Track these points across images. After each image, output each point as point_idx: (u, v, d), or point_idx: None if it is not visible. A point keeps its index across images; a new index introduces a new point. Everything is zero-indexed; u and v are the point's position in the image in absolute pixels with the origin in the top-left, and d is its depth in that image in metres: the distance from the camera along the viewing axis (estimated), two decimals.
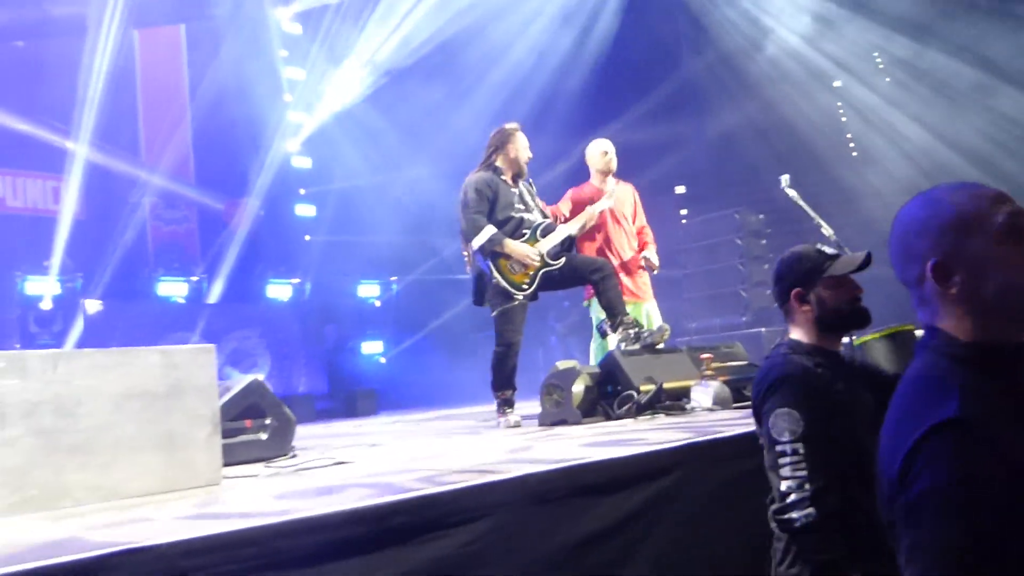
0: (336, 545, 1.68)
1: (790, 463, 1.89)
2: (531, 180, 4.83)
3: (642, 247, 5.36)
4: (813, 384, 1.99)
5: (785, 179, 4.81)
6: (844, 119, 10.98)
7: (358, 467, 2.78)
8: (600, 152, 5.27)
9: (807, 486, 1.86)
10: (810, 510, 1.84)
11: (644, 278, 5.32)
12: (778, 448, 1.92)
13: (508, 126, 4.68)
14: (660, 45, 11.45)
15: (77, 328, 7.84)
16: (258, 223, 10.34)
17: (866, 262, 2.10)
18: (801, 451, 1.89)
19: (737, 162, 10.90)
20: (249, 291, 9.78)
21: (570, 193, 5.20)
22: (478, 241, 4.37)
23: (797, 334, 2.17)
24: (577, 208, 5.08)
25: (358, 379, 10.04)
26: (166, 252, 9.39)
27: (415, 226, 11.07)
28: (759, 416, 2.03)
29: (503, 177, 4.57)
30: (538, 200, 4.78)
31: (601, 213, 5.03)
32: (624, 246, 5.27)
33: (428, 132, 10.81)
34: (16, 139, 8.53)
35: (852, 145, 10.85)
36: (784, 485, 1.89)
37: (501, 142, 4.61)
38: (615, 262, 5.06)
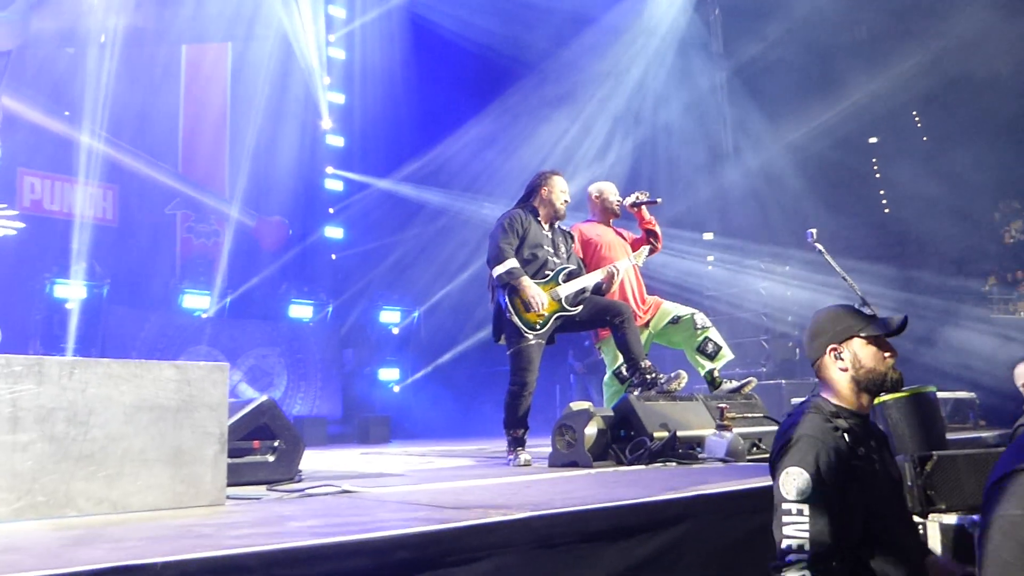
0: None
1: (793, 523, 1.88)
2: (571, 233, 4.85)
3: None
4: (831, 446, 1.96)
5: (813, 233, 4.78)
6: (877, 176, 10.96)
7: (363, 497, 2.76)
8: (609, 194, 5.22)
9: (806, 548, 1.85)
10: (804, 572, 1.83)
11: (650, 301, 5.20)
12: (783, 506, 1.91)
13: (547, 170, 4.74)
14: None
15: (98, 334, 7.93)
16: (287, 242, 10.49)
17: (903, 325, 2.09)
18: (805, 512, 1.88)
19: (769, 212, 10.88)
20: (272, 309, 9.89)
21: (578, 232, 5.10)
22: (498, 271, 4.37)
23: (827, 393, 2.16)
24: (585, 248, 5.03)
25: (373, 405, 10.06)
26: (194, 265, 9.52)
27: (445, 255, 11.18)
28: (774, 470, 2.02)
29: (538, 218, 4.61)
30: (573, 249, 4.77)
31: (605, 245, 5.01)
32: (634, 278, 5.16)
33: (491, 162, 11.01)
34: (57, 143, 8.73)
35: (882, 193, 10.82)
36: (784, 544, 1.88)
37: (538, 184, 4.66)
38: (630, 297, 4.99)
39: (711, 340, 4.84)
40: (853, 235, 10.14)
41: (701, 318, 4.90)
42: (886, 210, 10.87)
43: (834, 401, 2.12)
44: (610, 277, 4.63)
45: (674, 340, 5.01)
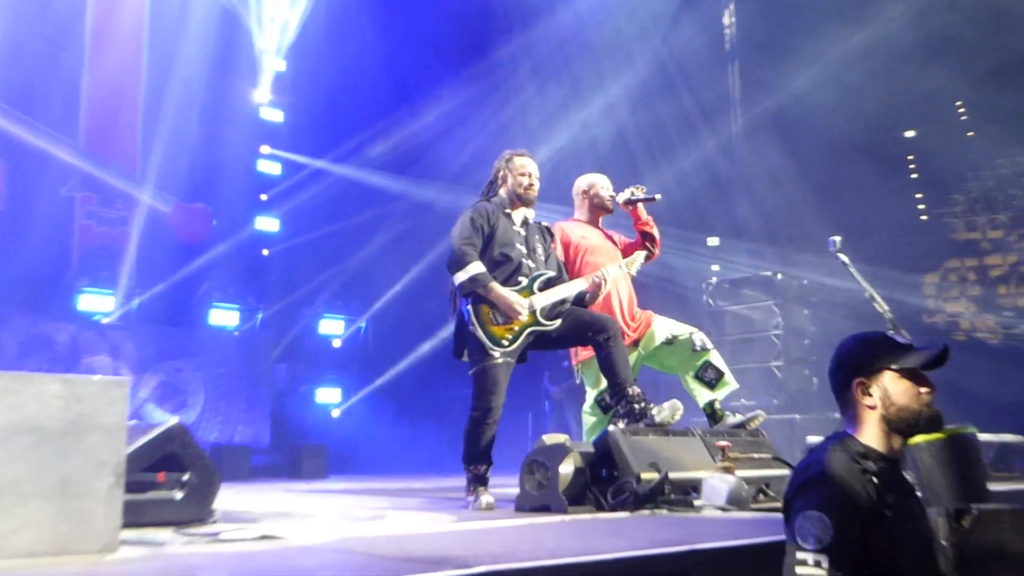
0: None
1: (809, 574, 1.91)
2: (550, 230, 4.85)
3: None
4: (857, 490, 1.99)
5: (836, 241, 4.82)
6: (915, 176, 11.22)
7: (288, 545, 2.72)
8: (601, 187, 5.24)
9: None
10: None
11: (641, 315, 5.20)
12: (798, 555, 1.94)
13: (509, 151, 4.74)
14: None
15: None
16: (210, 234, 10.39)
17: (943, 356, 2.12)
18: (824, 564, 1.90)
19: (781, 215, 11.05)
20: (189, 314, 9.81)
21: (559, 232, 5.11)
22: (459, 277, 4.34)
23: (854, 430, 2.19)
24: (567, 251, 5.04)
25: (307, 432, 10.02)
26: (94, 258, 9.38)
27: (401, 254, 11.17)
28: (788, 510, 2.05)
29: (507, 211, 4.60)
30: (552, 250, 4.77)
31: (592, 249, 5.03)
32: (623, 288, 5.15)
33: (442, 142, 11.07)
34: None
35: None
36: None
37: (497, 168, 4.68)
38: (617, 311, 4.98)
39: (712, 365, 4.86)
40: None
41: (700, 338, 4.92)
42: (923, 216, 11.14)
43: (862, 441, 2.14)
44: (596, 286, 4.61)
45: (668, 363, 5.02)
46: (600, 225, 5.27)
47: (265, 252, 10.95)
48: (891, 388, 2.14)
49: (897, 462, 2.18)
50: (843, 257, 4.83)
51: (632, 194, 5.10)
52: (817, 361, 10.16)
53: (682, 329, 4.98)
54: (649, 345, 4.98)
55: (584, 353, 4.94)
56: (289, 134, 11.23)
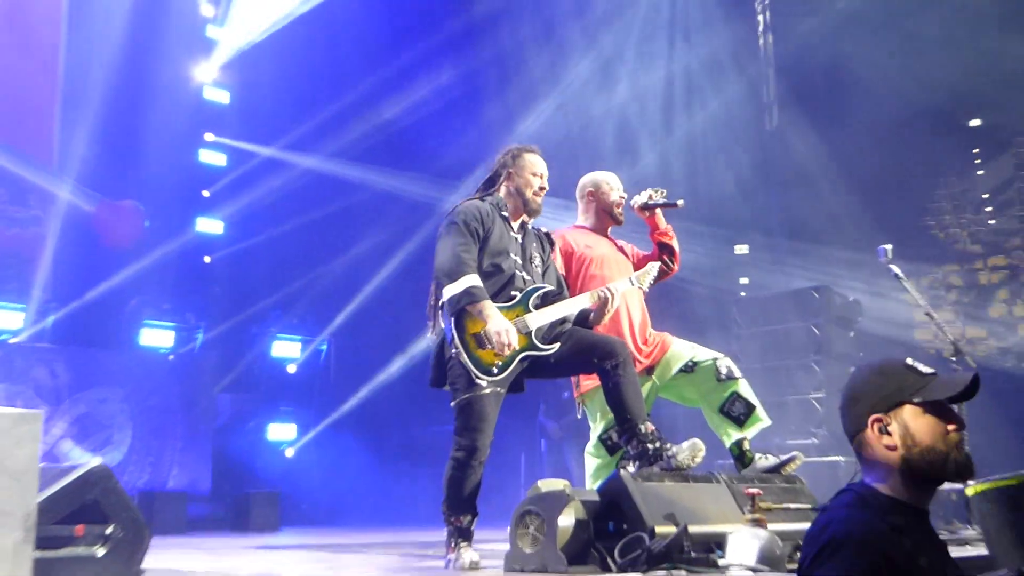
0: None
1: None
2: (549, 237, 4.87)
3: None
4: (885, 553, 1.97)
5: (887, 250, 4.86)
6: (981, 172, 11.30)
7: None
8: (610, 189, 5.25)
9: None
10: None
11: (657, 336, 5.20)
12: None
13: (516, 145, 4.75)
14: None
15: None
16: (141, 237, 10.37)
17: (973, 387, 2.11)
18: None
19: (822, 216, 11.11)
20: (116, 334, 9.80)
21: (561, 241, 5.12)
22: (452, 290, 4.31)
23: (873, 478, 2.17)
24: (569, 263, 5.06)
25: (256, 477, 10.01)
26: (1, 266, 9.35)
27: (371, 260, 11.19)
28: None
29: (504, 214, 4.62)
30: (552, 261, 4.79)
31: (597, 261, 5.03)
32: (635, 306, 5.16)
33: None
34: None
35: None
36: None
37: (502, 164, 4.69)
38: (627, 332, 4.98)
39: (740, 397, 4.85)
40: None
41: (727, 364, 4.91)
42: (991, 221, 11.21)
43: (884, 491, 2.13)
44: (602, 303, 4.61)
45: (688, 395, 5.02)
46: (609, 234, 5.29)
47: (207, 259, 10.96)
48: (912, 425, 2.12)
49: (926, 515, 2.17)
50: (895, 269, 4.87)
51: (650, 198, 5.10)
52: None
53: (705, 354, 4.97)
54: (665, 373, 4.97)
55: (588, 383, 4.93)
56: (237, 118, 11.28)
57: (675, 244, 5.19)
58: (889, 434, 2.13)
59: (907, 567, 1.97)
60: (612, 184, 5.26)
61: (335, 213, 11.56)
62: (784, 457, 4.73)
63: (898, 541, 2.00)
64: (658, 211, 5.13)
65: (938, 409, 2.13)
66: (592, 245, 5.13)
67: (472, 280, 4.29)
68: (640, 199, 5.13)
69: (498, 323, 4.26)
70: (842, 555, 1.96)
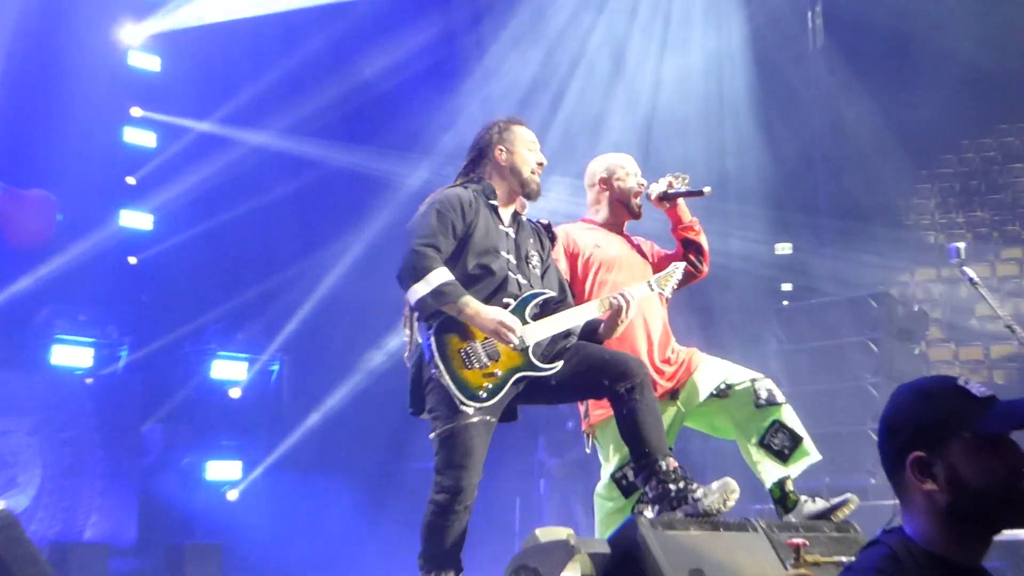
0: None
1: None
2: (550, 230, 4.89)
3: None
4: None
5: (960, 248, 4.80)
6: None
7: None
8: (626, 174, 5.26)
9: None
10: None
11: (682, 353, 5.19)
12: None
13: (504, 117, 4.77)
14: None
15: None
16: (53, 234, 10.41)
17: None
18: None
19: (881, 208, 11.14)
20: (22, 352, 9.83)
21: (563, 237, 5.12)
22: (418, 291, 4.29)
23: (912, 528, 2.16)
24: (573, 265, 5.07)
25: (193, 525, 10.02)
26: None
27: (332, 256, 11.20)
28: None
29: (493, 202, 4.62)
30: (553, 261, 4.82)
31: (608, 263, 5.05)
32: (654, 316, 5.16)
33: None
34: None
35: None
36: None
37: (488, 141, 4.69)
38: (643, 348, 4.97)
39: (784, 426, 4.84)
40: None
41: (767, 387, 4.90)
42: None
43: (923, 542, 2.13)
44: (614, 313, 4.60)
45: (720, 424, 5.03)
46: (624, 231, 5.30)
47: (132, 260, 10.95)
48: (962, 466, 2.09)
49: (977, 572, 2.15)
50: (970, 272, 4.81)
51: (670, 186, 5.10)
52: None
53: (740, 375, 4.96)
54: (693, 399, 4.96)
55: (598, 411, 4.93)
56: (168, 89, 11.26)
57: (703, 240, 5.22)
58: (933, 476, 2.11)
59: None
60: (629, 169, 5.29)
61: (289, 200, 11.63)
62: (835, 501, 4.71)
63: None
64: (680, 201, 5.13)
65: (997, 444, 2.11)
66: (602, 244, 5.16)
67: (441, 276, 4.30)
68: (658, 188, 5.13)
69: (490, 313, 4.29)
70: None
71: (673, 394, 4.97)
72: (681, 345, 5.16)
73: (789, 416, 4.86)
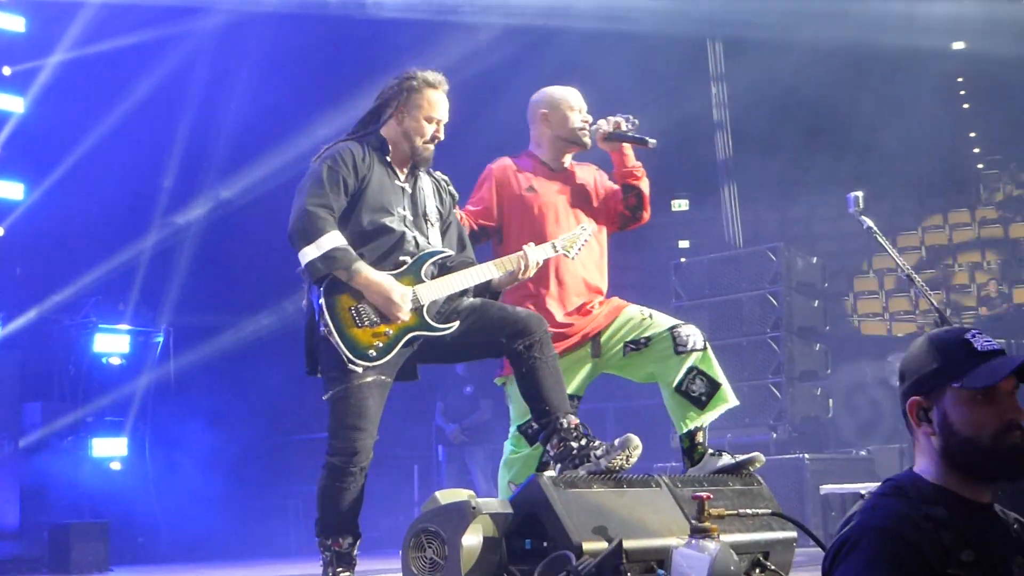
0: None
1: None
2: (448, 187, 4.82)
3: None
4: (914, 545, 2.04)
5: (857, 198, 4.91)
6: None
7: None
8: (571, 109, 5.16)
9: None
10: None
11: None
12: None
13: (415, 71, 4.64)
14: None
15: None
16: None
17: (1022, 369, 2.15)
18: None
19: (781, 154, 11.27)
20: None
21: (491, 177, 5.07)
22: (309, 254, 4.30)
23: (920, 466, 2.25)
24: (503, 207, 5.04)
25: (78, 505, 9.87)
26: None
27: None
28: None
29: (387, 157, 4.58)
30: (456, 217, 4.78)
31: (540, 209, 5.00)
32: (590, 267, 5.16)
33: None
34: None
35: None
36: None
37: (391, 96, 4.61)
38: (551, 302, 4.97)
39: (702, 373, 4.82)
40: None
41: (687, 333, 4.87)
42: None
43: (930, 478, 2.22)
44: (511, 276, 4.62)
45: (640, 372, 5.03)
46: (570, 164, 5.22)
47: (0, 230, 10.63)
48: (952, 413, 2.19)
49: (984, 507, 2.22)
50: (868, 221, 4.92)
51: (618, 126, 5.07)
52: (835, 376, 10.30)
53: (663, 322, 4.94)
54: (611, 349, 4.98)
55: (507, 369, 4.88)
56: (32, 46, 10.94)
57: (644, 186, 5.18)
58: (929, 421, 2.21)
59: (942, 561, 2.03)
60: (573, 103, 5.18)
61: (174, 157, 11.34)
62: (742, 457, 4.75)
63: (932, 532, 2.06)
64: (625, 145, 5.10)
65: (986, 396, 2.17)
66: (538, 188, 5.08)
67: (333, 240, 4.31)
68: (606, 126, 5.08)
69: (381, 286, 4.29)
70: (862, 548, 2.04)
71: (593, 344, 4.97)
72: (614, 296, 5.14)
73: (708, 363, 4.83)
